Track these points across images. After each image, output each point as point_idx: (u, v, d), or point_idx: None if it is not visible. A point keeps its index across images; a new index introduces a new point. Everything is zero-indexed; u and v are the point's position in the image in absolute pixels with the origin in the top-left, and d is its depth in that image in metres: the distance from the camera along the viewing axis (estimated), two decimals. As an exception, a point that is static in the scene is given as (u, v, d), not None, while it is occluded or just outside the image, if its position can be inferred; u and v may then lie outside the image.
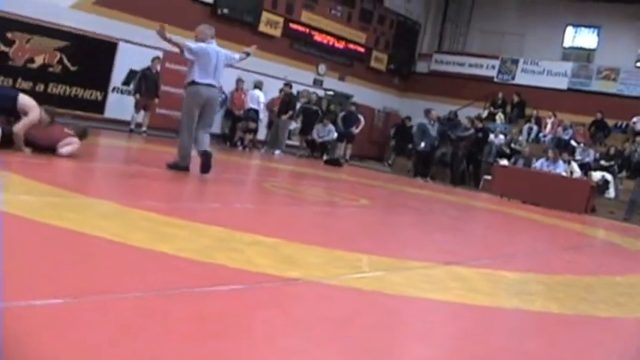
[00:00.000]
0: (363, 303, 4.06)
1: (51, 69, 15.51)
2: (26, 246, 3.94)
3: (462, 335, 3.83)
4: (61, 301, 2.97)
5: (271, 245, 5.09)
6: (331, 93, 24.22)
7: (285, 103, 19.01)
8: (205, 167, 9.23)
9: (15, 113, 8.01)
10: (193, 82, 9.22)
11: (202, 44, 9.34)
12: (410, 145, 21.17)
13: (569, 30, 25.93)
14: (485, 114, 23.72)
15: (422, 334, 3.71)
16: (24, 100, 8.11)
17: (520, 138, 21.74)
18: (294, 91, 20.13)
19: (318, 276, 4.39)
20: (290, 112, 19.03)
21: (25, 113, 7.99)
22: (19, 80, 14.79)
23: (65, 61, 15.75)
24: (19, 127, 7.87)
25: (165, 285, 3.59)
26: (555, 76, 24.66)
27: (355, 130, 21.17)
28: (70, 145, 8.39)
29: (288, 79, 20.05)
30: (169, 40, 9.26)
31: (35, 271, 3.42)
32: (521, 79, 25.24)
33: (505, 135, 21.73)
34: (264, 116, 19.20)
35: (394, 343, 3.48)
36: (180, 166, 9.20)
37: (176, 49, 9.63)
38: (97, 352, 2.54)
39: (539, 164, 18.09)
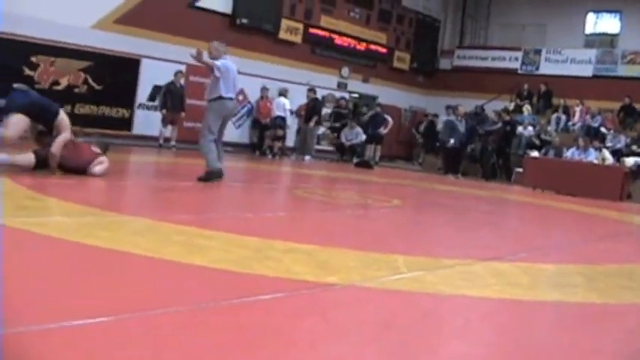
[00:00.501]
0: (402, 304, 4.04)
1: (77, 90, 15.64)
2: (64, 267, 3.97)
3: (503, 331, 3.80)
4: (101, 320, 2.98)
5: (307, 252, 5.09)
6: (356, 95, 24.20)
7: (311, 108, 19.04)
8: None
9: (49, 127, 8.06)
10: (220, 97, 9.53)
11: (223, 61, 9.61)
12: (438, 143, 21.08)
13: (591, 16, 25.68)
14: (511, 106, 23.55)
15: (463, 332, 3.68)
16: (63, 116, 8.16)
17: (549, 128, 21.55)
18: (319, 95, 20.13)
19: (355, 280, 4.37)
20: (315, 118, 19.04)
21: (59, 131, 8.05)
22: (47, 103, 14.94)
23: (90, 80, 15.88)
24: (55, 148, 7.92)
25: (203, 298, 3.59)
26: (579, 63, 24.46)
27: (383, 131, 21.14)
28: (101, 164, 8.45)
29: (311, 84, 20.07)
30: (205, 63, 9.50)
31: (74, 291, 3.44)
32: (545, 69, 25.05)
33: (534, 126, 21.56)
34: (292, 123, 19.22)
35: (435, 342, 3.46)
36: (214, 173, 9.32)
37: (207, 68, 9.88)
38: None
39: (570, 154, 17.94)
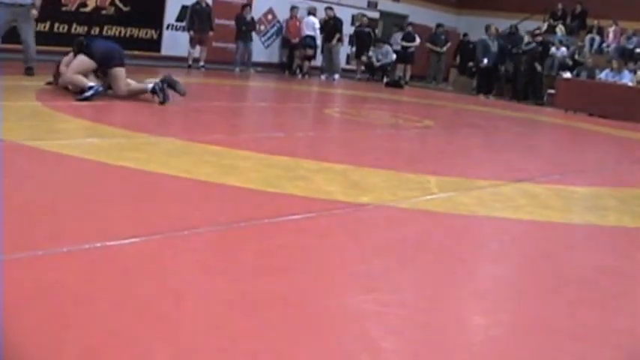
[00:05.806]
0: (434, 225, 4.04)
1: (104, 11, 15.47)
2: (96, 188, 3.99)
3: (535, 254, 3.78)
4: (134, 240, 3.00)
5: (339, 171, 5.08)
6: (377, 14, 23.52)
7: (331, 26, 18.78)
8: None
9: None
10: None
11: None
12: (471, 63, 20.78)
13: None
14: (544, 27, 23.06)
15: (495, 253, 3.68)
16: None
17: (584, 50, 21.11)
18: (350, 15, 19.81)
19: (388, 200, 4.36)
20: (337, 35, 18.79)
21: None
22: (74, 25, 14.83)
23: (117, 2, 15.69)
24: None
25: (235, 218, 3.60)
26: (615, -18, 23.75)
27: (410, 48, 20.92)
28: None
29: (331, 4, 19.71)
30: None
31: (107, 212, 3.47)
32: (580, -12, 24.34)
33: (567, 47, 21.14)
34: (320, 42, 18.97)
35: (468, 264, 3.46)
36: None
37: None
38: (174, 290, 2.57)
39: (603, 75, 17.58)
